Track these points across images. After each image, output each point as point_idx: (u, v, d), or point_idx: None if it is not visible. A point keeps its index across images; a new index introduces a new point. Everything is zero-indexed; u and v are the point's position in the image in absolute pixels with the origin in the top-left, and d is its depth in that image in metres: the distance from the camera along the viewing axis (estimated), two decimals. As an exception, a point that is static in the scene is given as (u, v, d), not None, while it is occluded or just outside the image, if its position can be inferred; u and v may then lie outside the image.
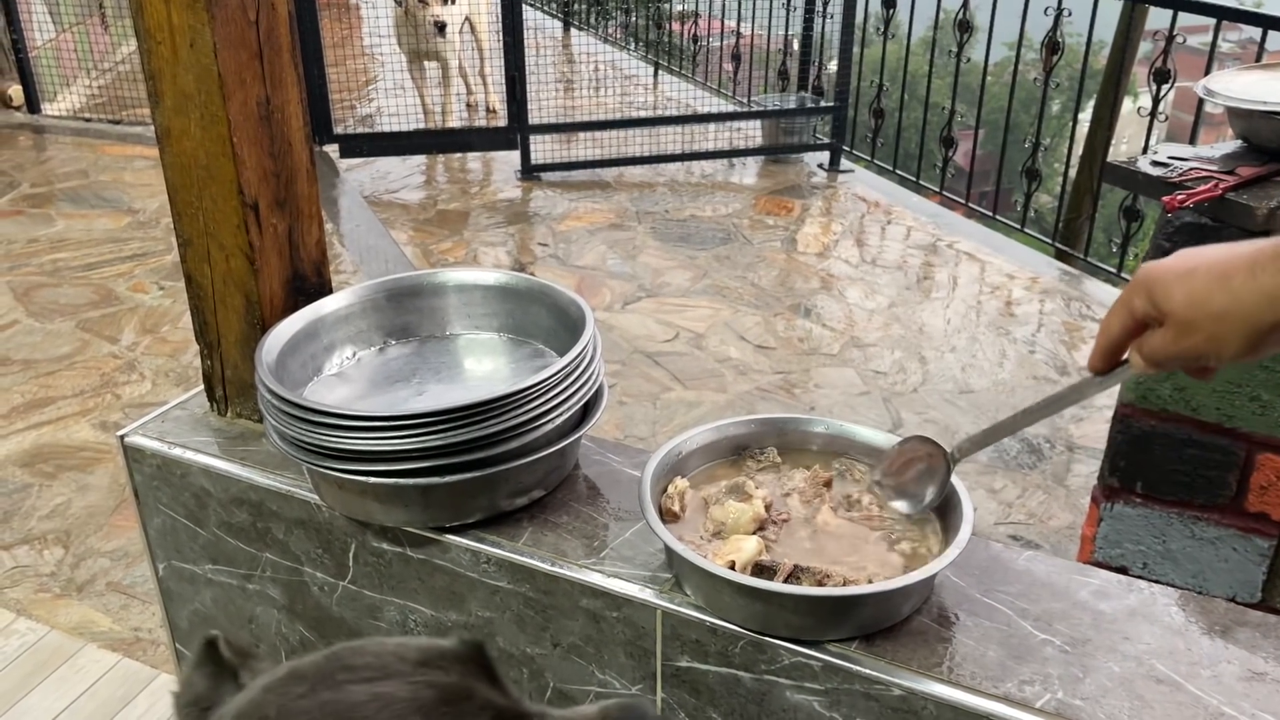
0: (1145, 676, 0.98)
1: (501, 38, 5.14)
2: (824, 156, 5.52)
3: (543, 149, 5.34)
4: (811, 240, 4.68)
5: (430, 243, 4.57)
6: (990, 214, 4.83)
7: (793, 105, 5.69)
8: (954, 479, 1.10)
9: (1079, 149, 7.45)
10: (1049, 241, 4.64)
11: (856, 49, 5.31)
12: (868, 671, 0.99)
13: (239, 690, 0.55)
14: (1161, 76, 3.79)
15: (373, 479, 1.13)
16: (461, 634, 0.58)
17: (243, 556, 1.37)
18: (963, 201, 4.96)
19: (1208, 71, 2.71)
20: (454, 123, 5.91)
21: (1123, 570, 1.83)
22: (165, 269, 4.20)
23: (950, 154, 4.89)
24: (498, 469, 1.14)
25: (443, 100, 5.84)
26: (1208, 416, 1.69)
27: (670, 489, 1.16)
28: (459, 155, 5.68)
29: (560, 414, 1.17)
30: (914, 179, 5.22)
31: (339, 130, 5.31)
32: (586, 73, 7.34)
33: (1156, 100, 3.84)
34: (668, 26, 7.43)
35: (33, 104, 6.14)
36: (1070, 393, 0.97)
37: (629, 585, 1.11)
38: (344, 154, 5.27)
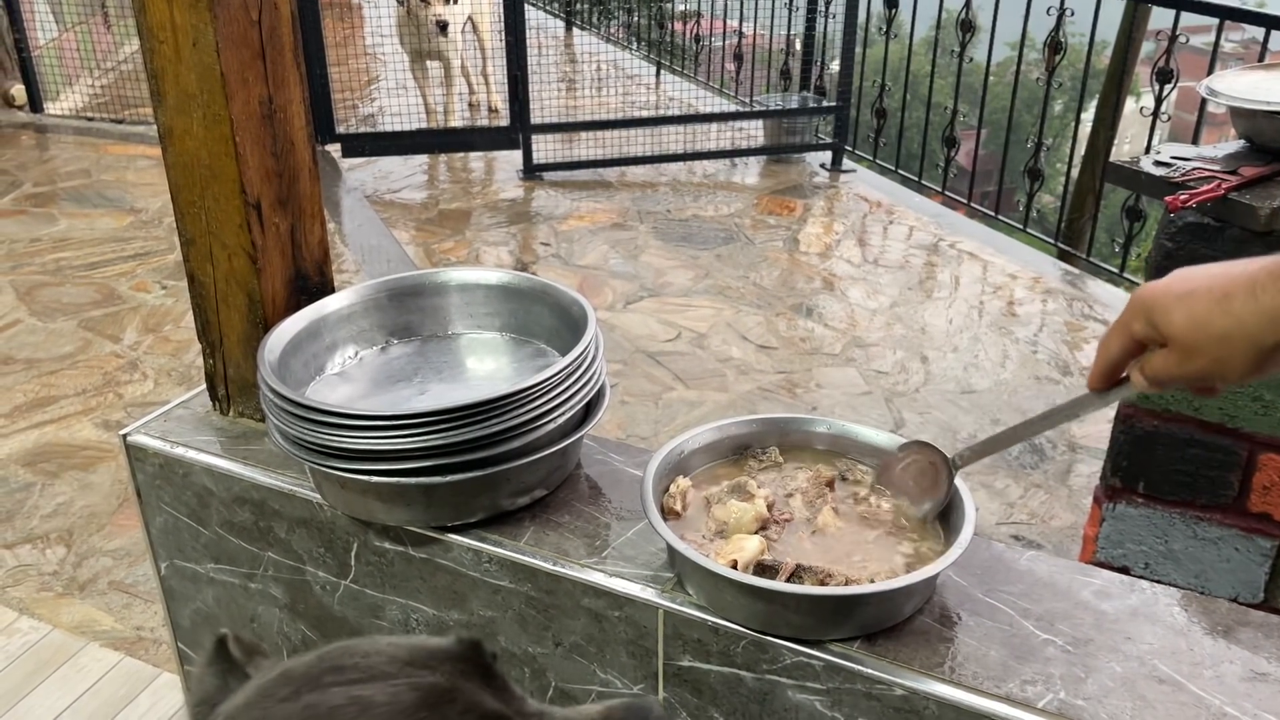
0: (1147, 677, 0.98)
1: (504, 37, 5.15)
2: (826, 156, 5.52)
3: (545, 148, 5.34)
4: (813, 240, 4.68)
5: (432, 242, 4.57)
6: (993, 214, 4.83)
7: (795, 105, 5.69)
8: (956, 479, 1.10)
9: (1081, 149, 7.45)
10: (1051, 241, 4.64)
11: (859, 49, 5.31)
12: (870, 671, 0.99)
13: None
14: (1164, 76, 3.79)
15: (375, 478, 1.14)
16: (459, 632, 0.57)
17: (245, 555, 1.37)
18: (965, 201, 4.95)
19: (1210, 71, 2.71)
20: (456, 122, 5.91)
21: (1124, 570, 1.82)
22: (168, 268, 4.20)
23: (952, 154, 4.88)
24: (500, 468, 1.14)
25: (445, 100, 5.84)
26: (1210, 417, 1.69)
27: (672, 488, 1.16)
28: (461, 155, 5.68)
29: (562, 413, 1.17)
30: (916, 179, 5.22)
31: (341, 130, 5.31)
32: (589, 72, 7.34)
33: (1159, 100, 3.83)
34: (670, 26, 7.43)
35: (35, 103, 6.14)
36: (1070, 407, 0.97)
37: (631, 585, 1.11)
38: (346, 153, 5.28)
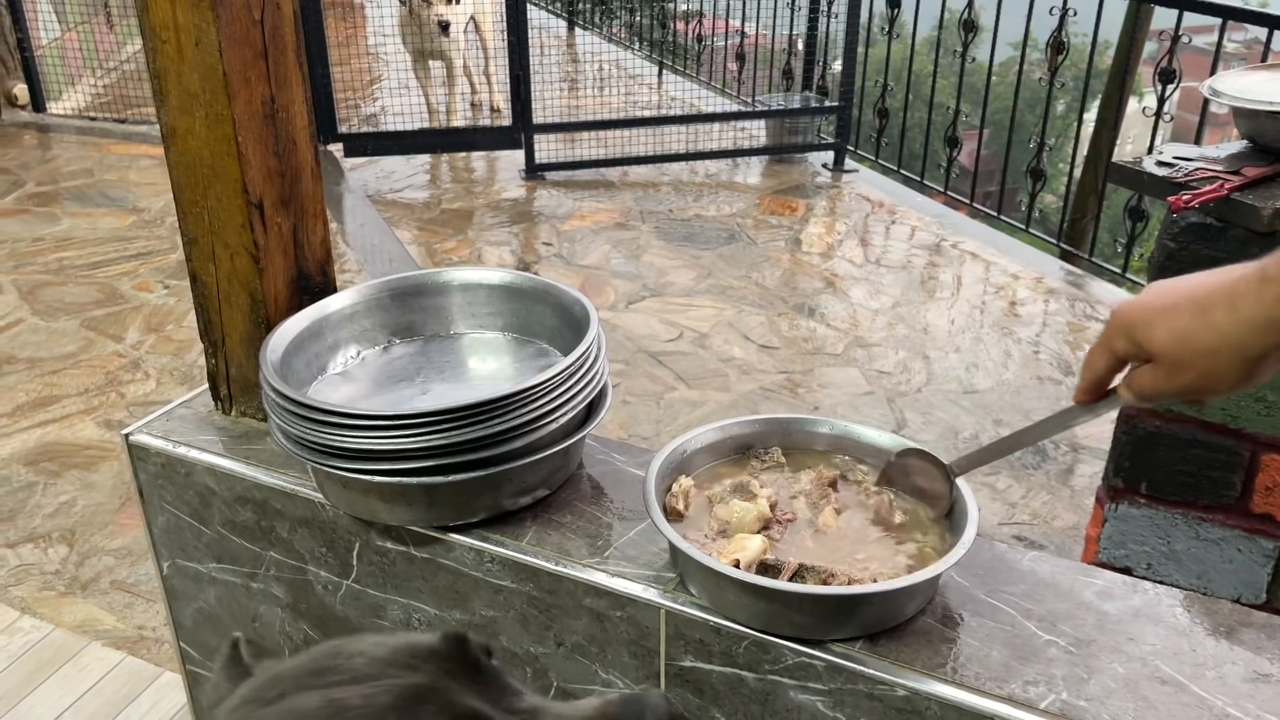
0: (1150, 677, 0.98)
1: (506, 37, 5.15)
2: (828, 156, 5.51)
3: (547, 148, 5.34)
4: (816, 240, 4.68)
5: (434, 242, 4.58)
6: (995, 214, 4.83)
7: (797, 105, 5.69)
8: (959, 479, 1.10)
9: (1084, 149, 7.44)
10: (1054, 241, 4.64)
11: (861, 48, 5.31)
12: (872, 672, 0.99)
13: None
14: (1167, 76, 3.79)
15: (377, 478, 1.14)
16: (447, 628, 0.57)
17: (247, 555, 1.37)
18: (967, 201, 4.95)
19: (1213, 71, 2.70)
20: (458, 122, 5.91)
21: (1127, 571, 1.82)
22: (170, 268, 4.21)
23: (955, 154, 4.88)
24: (502, 468, 1.14)
25: (447, 99, 5.84)
26: (1213, 417, 1.68)
27: (674, 488, 1.16)
28: (463, 154, 5.69)
29: (564, 413, 1.17)
30: (918, 179, 5.21)
31: (343, 129, 5.32)
32: (591, 72, 7.34)
33: (1162, 100, 3.83)
34: (672, 26, 7.43)
35: (38, 103, 6.15)
36: (1059, 419, 0.97)
37: (633, 585, 1.11)
38: (348, 153, 5.28)
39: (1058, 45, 4.22)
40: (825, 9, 5.50)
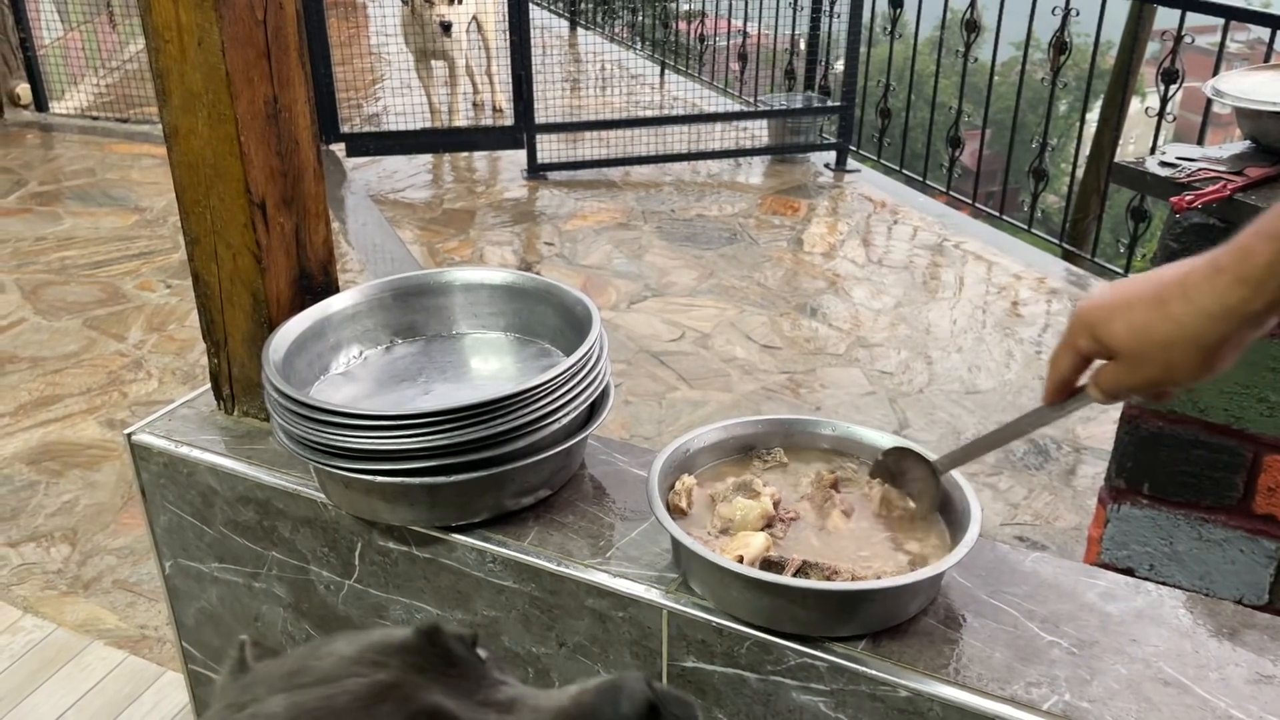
0: (1153, 679, 0.98)
1: (508, 37, 5.15)
2: (830, 156, 5.51)
3: (549, 148, 5.34)
4: (818, 240, 4.68)
5: (436, 242, 4.58)
6: (997, 214, 4.83)
7: (799, 105, 5.68)
8: (961, 479, 1.10)
9: (1086, 149, 7.43)
10: (1056, 242, 4.63)
11: (863, 48, 5.31)
12: (874, 672, 0.99)
13: None
14: (1170, 76, 3.78)
15: (379, 478, 1.14)
16: (421, 621, 0.56)
17: (249, 555, 1.37)
18: (969, 201, 4.95)
19: (1216, 71, 2.70)
20: (460, 122, 5.91)
21: (1129, 572, 1.82)
22: (172, 267, 4.21)
23: (957, 154, 4.88)
24: (504, 468, 1.14)
25: (449, 99, 5.84)
26: (1215, 418, 1.68)
27: (677, 486, 1.16)
28: (465, 154, 5.69)
29: (567, 413, 1.17)
30: (920, 179, 5.21)
31: (346, 129, 5.32)
32: (593, 72, 7.34)
33: (1164, 100, 3.83)
34: (674, 26, 7.43)
35: (40, 102, 6.16)
36: (1031, 418, 0.98)
37: (635, 585, 1.11)
38: (350, 153, 5.28)
39: (1060, 45, 4.22)
40: (827, 9, 5.50)
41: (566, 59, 7.63)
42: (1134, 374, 0.82)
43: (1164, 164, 1.71)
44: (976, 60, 4.66)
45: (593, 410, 1.25)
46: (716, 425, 1.23)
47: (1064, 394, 0.91)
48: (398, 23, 5.71)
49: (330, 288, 1.43)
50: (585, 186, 5.24)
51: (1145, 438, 1.75)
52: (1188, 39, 3.73)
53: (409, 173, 5.42)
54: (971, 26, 4.57)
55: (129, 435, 1.40)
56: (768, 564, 1.04)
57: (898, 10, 5.11)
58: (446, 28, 5.46)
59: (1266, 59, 3.54)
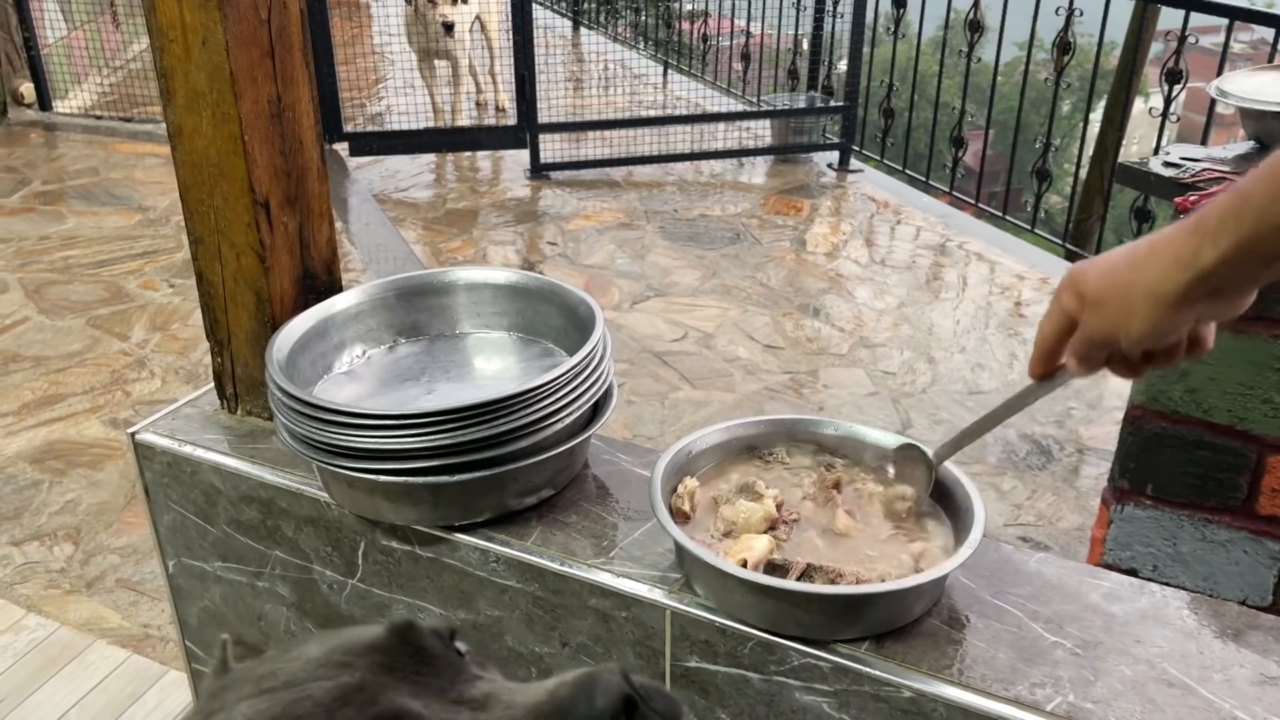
0: (1157, 680, 0.98)
1: (511, 36, 5.15)
2: (833, 156, 5.51)
3: (552, 148, 5.34)
4: (820, 240, 4.68)
5: (439, 241, 4.58)
6: (1000, 214, 4.82)
7: (802, 105, 5.68)
8: (965, 480, 1.10)
9: (1090, 149, 7.43)
10: (1059, 242, 4.63)
11: (866, 49, 5.30)
12: (877, 673, 0.99)
13: None
14: (1173, 77, 3.78)
15: (382, 477, 1.14)
16: (393, 617, 0.55)
17: (252, 554, 1.37)
18: (972, 202, 4.95)
19: (1220, 72, 2.70)
20: (463, 121, 5.91)
21: (1132, 573, 1.82)
22: (175, 266, 4.21)
23: (960, 154, 4.88)
24: (507, 468, 1.14)
25: (452, 99, 5.85)
26: (1219, 419, 1.68)
27: (680, 488, 1.16)
28: (468, 154, 5.69)
29: (570, 413, 1.17)
30: (924, 179, 5.21)
31: (349, 129, 5.32)
32: (596, 72, 7.34)
33: (1168, 101, 3.82)
34: (677, 25, 7.42)
35: (44, 101, 6.16)
36: (1020, 397, 0.99)
37: (638, 585, 1.11)
38: (353, 152, 5.28)
39: (1064, 45, 4.21)
40: (830, 9, 5.49)
41: (569, 59, 7.63)
42: (1091, 322, 0.83)
43: (1168, 164, 1.71)
44: (980, 60, 4.65)
45: (596, 410, 1.25)
46: (719, 426, 1.23)
47: (1050, 363, 0.91)
48: (401, 22, 5.72)
49: (334, 287, 1.43)
50: (588, 186, 5.24)
51: (1149, 438, 1.75)
52: (1191, 39, 3.72)
53: (412, 172, 5.42)
54: (975, 26, 4.57)
55: (132, 434, 1.40)
56: (772, 567, 1.04)
57: (901, 10, 5.11)
58: (449, 27, 5.46)
59: (1270, 59, 3.54)
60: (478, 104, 6.38)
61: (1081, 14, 4.14)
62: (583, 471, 1.29)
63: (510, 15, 5.09)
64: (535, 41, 5.06)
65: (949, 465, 1.13)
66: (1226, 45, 3.57)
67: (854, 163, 5.45)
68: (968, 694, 0.97)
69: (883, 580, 1.02)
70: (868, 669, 0.99)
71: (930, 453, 1.12)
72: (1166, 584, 1.19)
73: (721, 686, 1.08)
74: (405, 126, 5.34)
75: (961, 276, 4.29)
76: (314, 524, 1.29)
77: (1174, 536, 1.79)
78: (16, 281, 4.11)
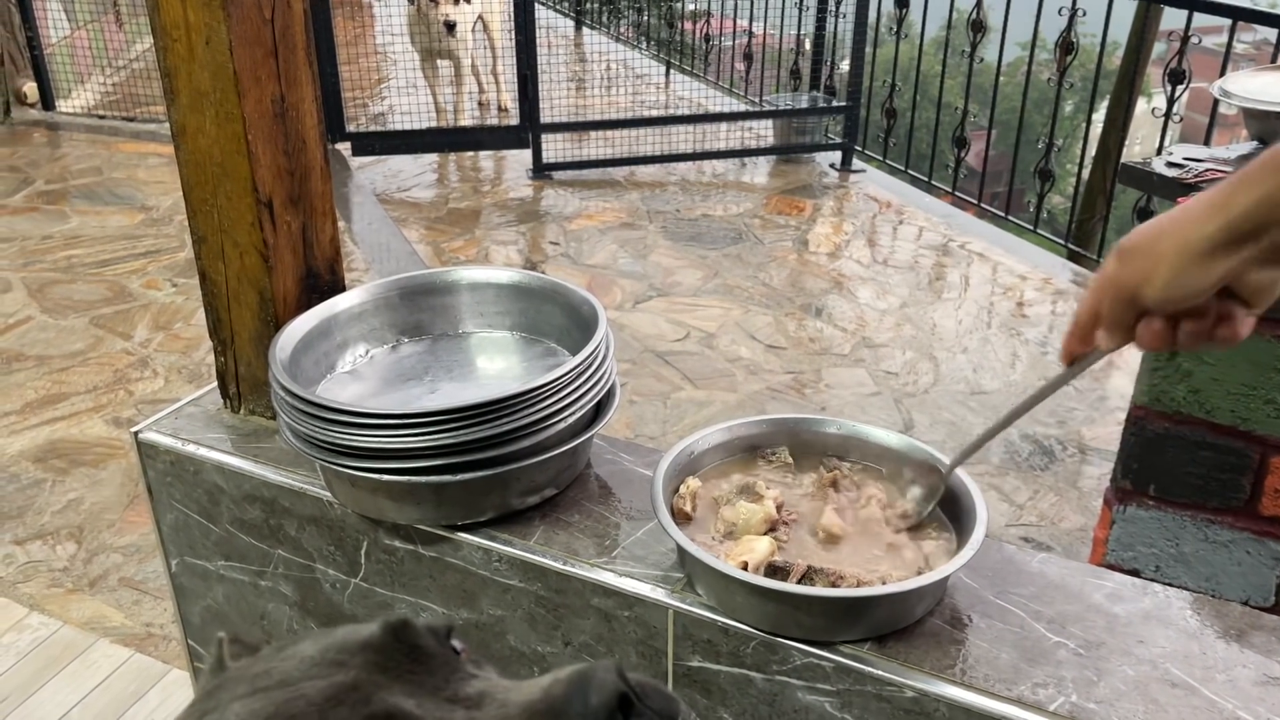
0: (1160, 680, 0.98)
1: (514, 36, 5.15)
2: (836, 156, 5.51)
3: (554, 148, 5.34)
4: (823, 240, 4.68)
5: (442, 241, 4.58)
6: (1003, 214, 4.82)
7: (804, 105, 5.68)
8: (967, 480, 1.10)
9: (1092, 149, 7.42)
10: (1062, 242, 4.62)
11: (869, 49, 5.30)
12: (880, 673, 0.99)
13: None
14: (1176, 77, 3.78)
15: (385, 476, 1.14)
16: (389, 615, 0.55)
17: (255, 553, 1.37)
18: (975, 202, 4.94)
19: (1223, 72, 2.70)
20: (466, 121, 5.92)
21: (1134, 573, 1.82)
22: (178, 266, 4.21)
23: (963, 154, 4.87)
24: (510, 467, 1.14)
25: (455, 99, 5.85)
26: (1222, 419, 1.68)
27: (682, 489, 1.16)
28: (471, 154, 5.69)
29: (573, 413, 1.17)
30: (926, 179, 5.21)
31: (351, 128, 5.32)
32: (598, 72, 7.34)
33: (1171, 101, 3.82)
34: (680, 25, 7.43)
35: (47, 101, 6.17)
36: (1040, 392, 0.97)
37: (641, 585, 1.11)
38: (356, 152, 5.29)
39: (1066, 45, 4.21)
40: (833, 9, 5.49)
41: (572, 58, 7.63)
42: (1124, 271, 0.79)
43: (1171, 164, 1.70)
44: (982, 60, 4.65)
45: (598, 410, 1.25)
46: (721, 426, 1.23)
47: (1083, 341, 0.86)
48: (403, 22, 5.72)
49: (337, 286, 1.44)
50: (590, 186, 5.24)
51: (1151, 439, 1.75)
52: (1194, 39, 3.72)
53: (414, 172, 5.42)
54: (977, 27, 4.56)
55: (135, 433, 1.40)
56: (773, 569, 1.04)
57: (903, 10, 5.11)
58: (451, 27, 5.47)
59: (1273, 59, 3.54)
60: (480, 104, 6.38)
61: (1084, 14, 4.14)
62: (585, 471, 1.29)
63: (513, 15, 5.09)
64: (538, 41, 5.06)
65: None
66: (1229, 45, 3.57)
67: (856, 163, 5.45)
68: (970, 694, 0.97)
69: (884, 582, 1.02)
70: (870, 669, 0.99)
71: (946, 462, 1.11)
72: (1169, 584, 1.19)
73: (724, 686, 1.08)
74: (408, 126, 5.34)
75: (964, 277, 4.29)
76: (317, 523, 1.29)
77: (1176, 537, 1.79)
78: (20, 281, 4.11)
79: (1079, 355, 0.88)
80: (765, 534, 1.10)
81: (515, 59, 5.16)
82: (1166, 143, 3.88)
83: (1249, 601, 1.75)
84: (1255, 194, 0.72)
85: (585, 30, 8.26)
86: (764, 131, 5.76)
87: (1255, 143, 1.75)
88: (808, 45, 5.87)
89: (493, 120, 6.20)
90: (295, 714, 0.47)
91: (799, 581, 1.02)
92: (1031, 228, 4.67)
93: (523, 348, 1.41)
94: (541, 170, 5.30)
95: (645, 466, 1.29)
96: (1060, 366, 0.93)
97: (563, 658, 1.19)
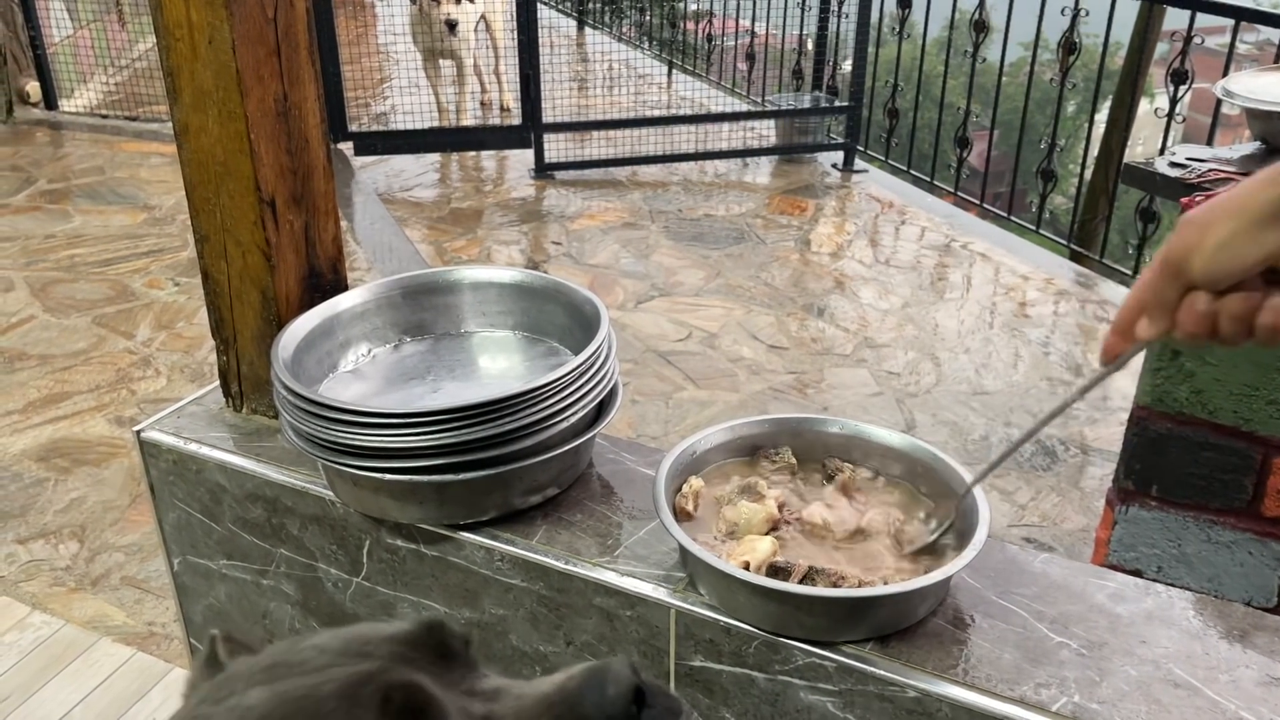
0: (1163, 680, 0.97)
1: (516, 36, 5.15)
2: (838, 156, 5.51)
3: (556, 148, 5.34)
4: (825, 240, 4.67)
5: (444, 240, 4.58)
6: (1005, 215, 4.82)
7: (807, 105, 5.68)
8: (969, 480, 1.10)
9: (1095, 150, 7.41)
10: (1064, 243, 4.62)
11: (871, 49, 5.30)
12: (882, 673, 0.99)
13: None
14: (1179, 77, 3.77)
15: (388, 475, 1.14)
16: (422, 616, 0.56)
17: (257, 552, 1.37)
18: (977, 202, 4.94)
19: (1225, 72, 2.69)
20: (468, 121, 5.92)
21: (1137, 573, 1.81)
22: (181, 265, 4.22)
23: (965, 154, 4.87)
24: (512, 467, 1.14)
25: (457, 98, 5.85)
26: (1224, 419, 1.68)
27: (685, 488, 1.16)
28: (473, 153, 5.69)
29: (575, 412, 1.17)
30: (928, 179, 5.20)
31: (354, 128, 5.32)
32: (600, 72, 7.34)
33: (1174, 101, 3.81)
34: (682, 25, 7.43)
35: (50, 100, 6.17)
36: (1076, 394, 0.94)
37: (643, 584, 1.11)
38: (358, 152, 5.29)
39: (1069, 46, 4.21)
40: (835, 9, 5.49)
41: (574, 58, 7.63)
42: (1173, 243, 0.75)
43: (1174, 165, 1.70)
44: (985, 60, 4.65)
45: (600, 409, 1.25)
46: (723, 426, 1.23)
47: (1125, 336, 0.81)
48: (406, 21, 5.72)
49: (339, 285, 1.44)
50: (592, 186, 5.24)
51: (1154, 439, 1.74)
52: (1197, 40, 3.72)
53: (416, 171, 5.42)
54: (980, 27, 4.56)
55: (138, 432, 1.40)
56: (774, 570, 1.04)
57: (906, 10, 5.10)
58: (452, 26, 5.47)
59: (1276, 60, 3.53)
60: (482, 104, 6.38)
61: (1087, 14, 4.13)
62: (587, 470, 1.29)
63: (515, 15, 5.09)
64: (540, 41, 5.06)
65: (955, 466, 1.13)
66: (1232, 46, 3.56)
67: (858, 163, 5.45)
68: (973, 694, 0.96)
69: (885, 582, 1.02)
70: (873, 669, 0.99)
71: (958, 469, 1.09)
72: (1171, 585, 1.19)
73: (726, 686, 1.08)
74: (410, 126, 5.34)
75: (966, 277, 4.29)
76: (319, 522, 1.29)
77: (1179, 538, 1.78)
78: (22, 280, 4.12)
79: (1121, 351, 0.83)
80: (767, 534, 1.10)
81: (517, 59, 5.15)
82: (1169, 143, 3.88)
83: (1251, 602, 1.75)
84: None
85: (588, 30, 8.26)
86: (766, 131, 5.75)
87: (1258, 143, 1.75)
88: (810, 45, 5.87)
89: (495, 120, 6.20)
90: (327, 694, 0.48)
91: (800, 582, 1.02)
92: (1034, 228, 4.67)
93: (525, 347, 1.41)
94: (544, 170, 5.30)
95: (647, 466, 1.29)
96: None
97: (565, 657, 1.19)
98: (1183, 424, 1.71)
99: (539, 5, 5.13)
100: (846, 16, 5.43)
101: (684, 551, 1.07)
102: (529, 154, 5.32)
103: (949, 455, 1.15)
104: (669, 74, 7.12)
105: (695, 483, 1.16)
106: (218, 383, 1.47)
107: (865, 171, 5.41)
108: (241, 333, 1.40)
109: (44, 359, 3.54)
